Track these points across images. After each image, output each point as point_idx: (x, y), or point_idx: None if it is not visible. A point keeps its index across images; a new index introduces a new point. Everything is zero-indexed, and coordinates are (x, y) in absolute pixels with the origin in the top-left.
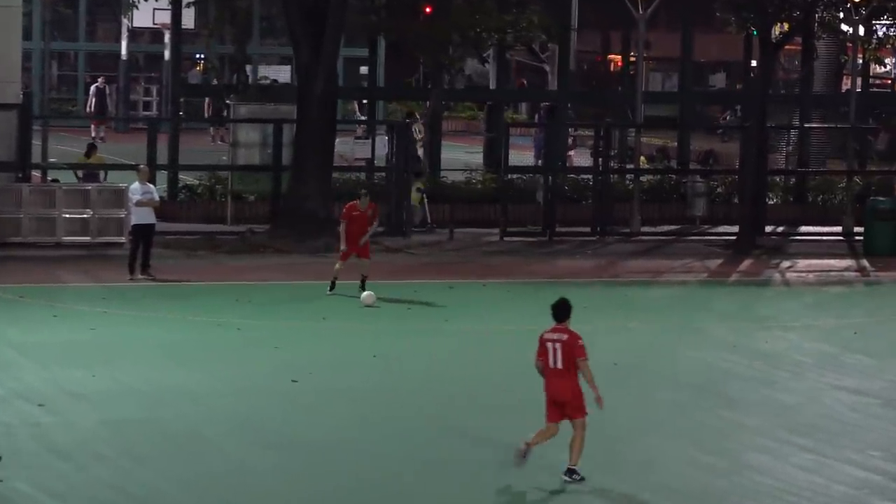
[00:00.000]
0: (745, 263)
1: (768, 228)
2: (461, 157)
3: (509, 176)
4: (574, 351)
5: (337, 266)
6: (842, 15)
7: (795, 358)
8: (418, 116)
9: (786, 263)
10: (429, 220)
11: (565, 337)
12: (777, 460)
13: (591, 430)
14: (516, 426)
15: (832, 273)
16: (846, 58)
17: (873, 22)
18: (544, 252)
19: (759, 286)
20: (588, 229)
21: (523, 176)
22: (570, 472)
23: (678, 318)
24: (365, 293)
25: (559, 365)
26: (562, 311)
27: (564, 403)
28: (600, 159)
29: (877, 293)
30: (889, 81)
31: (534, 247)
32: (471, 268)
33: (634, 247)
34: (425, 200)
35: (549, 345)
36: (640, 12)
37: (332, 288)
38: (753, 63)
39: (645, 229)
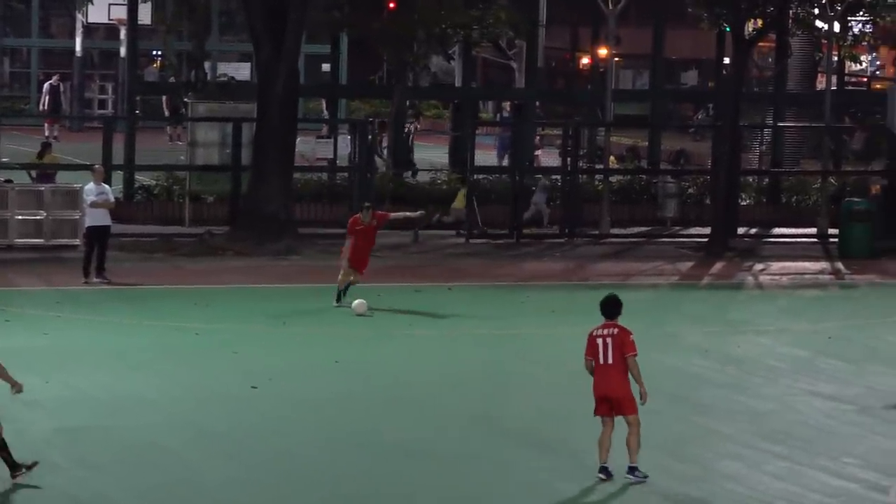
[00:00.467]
0: (718, 266)
1: (741, 230)
2: (426, 156)
3: (475, 176)
4: (625, 347)
5: (343, 272)
6: (816, 11)
7: (769, 363)
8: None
9: (759, 266)
10: (479, 223)
11: (616, 331)
12: (750, 468)
13: (560, 438)
14: (483, 434)
15: (806, 276)
16: (821, 55)
17: (848, 18)
18: (511, 254)
19: (731, 289)
20: (556, 230)
21: (489, 176)
22: (632, 469)
23: (649, 322)
24: (357, 301)
25: (609, 360)
26: (612, 307)
27: (615, 399)
28: (568, 159)
29: (852, 297)
30: (865, 79)
31: (501, 249)
32: (436, 271)
33: (604, 249)
34: (475, 203)
35: (600, 341)
36: (610, 8)
37: (339, 299)
38: (726, 60)
39: (614, 231)
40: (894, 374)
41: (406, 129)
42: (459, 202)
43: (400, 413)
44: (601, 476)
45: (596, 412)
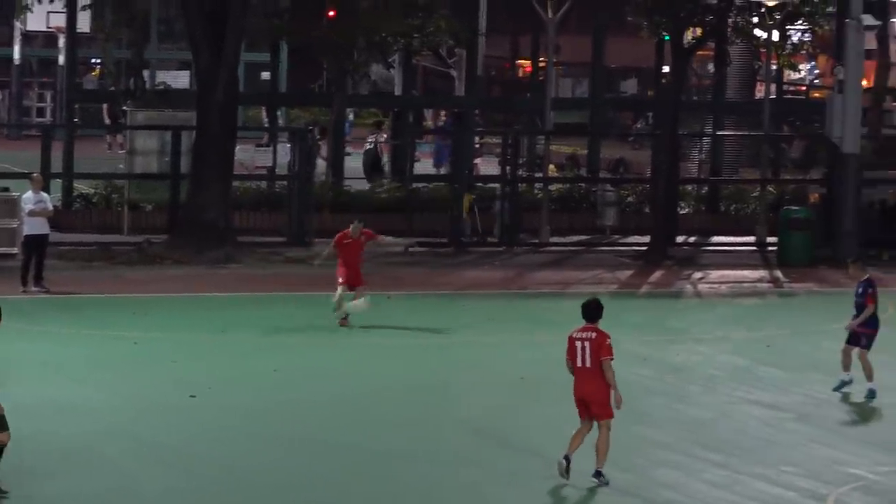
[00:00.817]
0: (657, 274)
1: (680, 238)
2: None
3: (415, 185)
4: (601, 350)
5: (339, 292)
6: (755, 20)
7: (707, 371)
8: (385, 128)
9: (698, 274)
10: (479, 231)
11: (594, 335)
12: (688, 476)
13: (503, 445)
14: (418, 441)
15: (745, 284)
16: (760, 64)
17: (787, 27)
18: (451, 263)
19: (670, 298)
20: (496, 239)
21: (428, 184)
22: (598, 473)
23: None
24: (358, 300)
25: (587, 364)
26: (592, 310)
27: (591, 402)
28: (508, 168)
29: (791, 305)
30: (803, 88)
31: (440, 258)
32: (375, 279)
33: (543, 258)
34: (476, 211)
35: (578, 343)
36: (550, 16)
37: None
38: (666, 69)
39: (554, 239)
40: (829, 381)
41: (372, 141)
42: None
43: (342, 420)
44: (562, 461)
45: (580, 417)
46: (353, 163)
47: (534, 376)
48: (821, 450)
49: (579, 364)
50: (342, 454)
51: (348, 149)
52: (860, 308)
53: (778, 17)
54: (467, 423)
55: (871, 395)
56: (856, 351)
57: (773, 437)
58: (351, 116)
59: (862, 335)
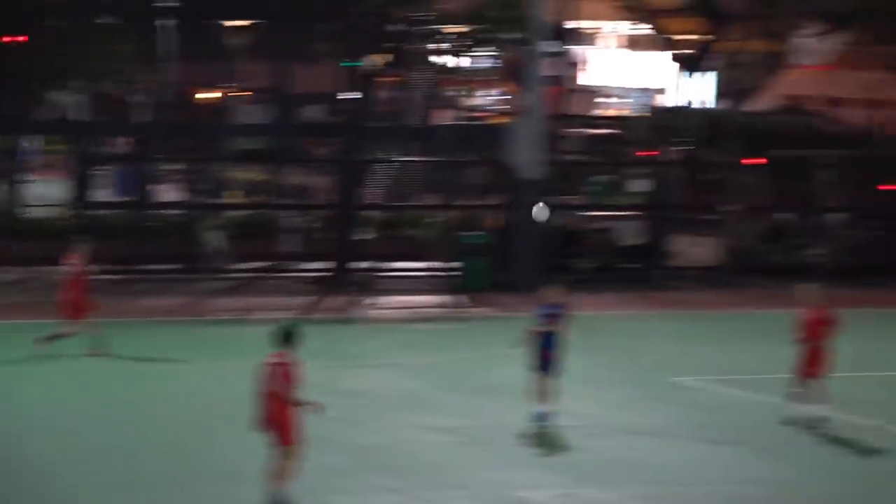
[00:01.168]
0: (336, 300)
1: (362, 264)
2: (52, 191)
3: (96, 211)
4: (285, 377)
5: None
6: (438, 46)
7: (381, 396)
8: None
9: (376, 300)
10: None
11: (281, 361)
12: (361, 501)
13: (200, 471)
14: (117, 469)
15: (423, 309)
16: (443, 90)
17: (467, 55)
18: (130, 291)
19: (346, 323)
20: (177, 266)
21: (109, 211)
22: (274, 499)
23: (261, 357)
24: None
25: (272, 389)
26: (280, 337)
27: (273, 427)
28: (189, 194)
29: (468, 330)
30: (487, 114)
31: (119, 284)
32: (50, 307)
33: (223, 284)
34: (223, 237)
35: (268, 369)
36: (237, 43)
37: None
38: (351, 95)
39: (235, 265)
40: (505, 406)
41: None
42: (209, 237)
43: (32, 448)
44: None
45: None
46: (41, 189)
47: (219, 402)
48: (492, 473)
49: (266, 389)
50: (43, 483)
51: (32, 176)
52: (542, 324)
53: (463, 45)
54: (162, 450)
55: (542, 418)
56: (540, 375)
57: (446, 461)
58: (37, 143)
59: (544, 360)
